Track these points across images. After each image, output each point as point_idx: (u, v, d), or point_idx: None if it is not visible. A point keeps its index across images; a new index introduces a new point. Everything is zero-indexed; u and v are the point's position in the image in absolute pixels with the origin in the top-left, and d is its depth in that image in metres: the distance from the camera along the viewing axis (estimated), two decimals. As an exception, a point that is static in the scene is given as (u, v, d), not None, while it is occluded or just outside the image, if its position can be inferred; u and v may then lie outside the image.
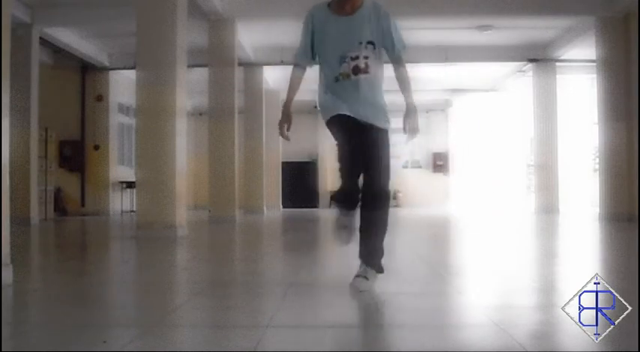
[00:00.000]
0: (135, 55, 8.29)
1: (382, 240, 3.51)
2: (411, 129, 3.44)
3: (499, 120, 18.95)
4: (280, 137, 3.59)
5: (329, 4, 3.49)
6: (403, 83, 3.53)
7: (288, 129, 3.51)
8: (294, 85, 3.58)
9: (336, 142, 3.45)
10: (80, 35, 13.38)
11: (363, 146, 3.35)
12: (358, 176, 3.43)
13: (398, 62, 3.52)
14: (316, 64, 3.59)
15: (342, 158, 3.42)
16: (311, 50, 3.52)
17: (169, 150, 7.66)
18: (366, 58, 3.38)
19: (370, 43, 3.39)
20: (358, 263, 3.50)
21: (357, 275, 3.45)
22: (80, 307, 3.19)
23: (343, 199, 3.50)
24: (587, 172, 17.17)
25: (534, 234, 9.17)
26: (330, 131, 3.47)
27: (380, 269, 3.50)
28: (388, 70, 3.54)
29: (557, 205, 14.40)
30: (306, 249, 6.96)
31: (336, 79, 3.42)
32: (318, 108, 3.57)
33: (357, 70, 3.39)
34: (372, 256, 3.47)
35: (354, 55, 3.38)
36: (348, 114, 3.36)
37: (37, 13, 11.35)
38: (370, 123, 3.38)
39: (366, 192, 3.43)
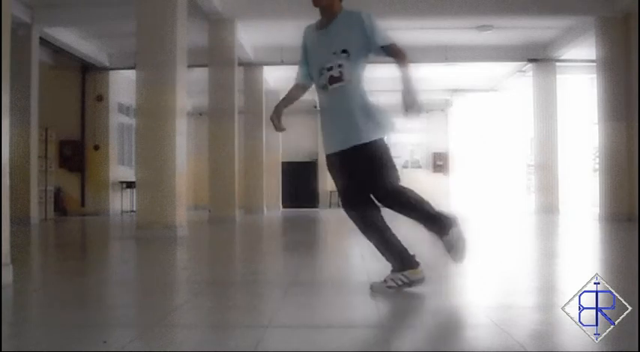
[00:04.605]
0: (135, 55, 8.29)
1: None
2: (408, 105, 3.28)
3: (499, 120, 18.94)
4: (277, 132, 3.73)
5: (317, 23, 3.61)
6: (401, 70, 3.37)
7: (279, 122, 3.61)
8: (289, 97, 3.72)
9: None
10: (80, 35, 13.38)
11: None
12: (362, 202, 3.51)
13: (392, 56, 3.40)
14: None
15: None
16: (307, 67, 3.63)
17: (169, 150, 7.66)
18: (340, 66, 3.39)
19: (344, 51, 3.40)
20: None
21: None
22: (80, 307, 3.20)
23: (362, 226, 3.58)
24: (587, 172, 17.16)
25: (534, 234, 9.16)
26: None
27: (401, 267, 3.52)
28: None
29: (557, 205, 14.39)
30: (306, 249, 6.95)
31: (323, 89, 3.48)
32: None
33: (332, 80, 3.42)
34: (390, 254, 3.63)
35: (329, 65, 3.42)
36: (332, 152, 3.48)
37: (37, 13, 11.34)
38: (352, 146, 3.37)
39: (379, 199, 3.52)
